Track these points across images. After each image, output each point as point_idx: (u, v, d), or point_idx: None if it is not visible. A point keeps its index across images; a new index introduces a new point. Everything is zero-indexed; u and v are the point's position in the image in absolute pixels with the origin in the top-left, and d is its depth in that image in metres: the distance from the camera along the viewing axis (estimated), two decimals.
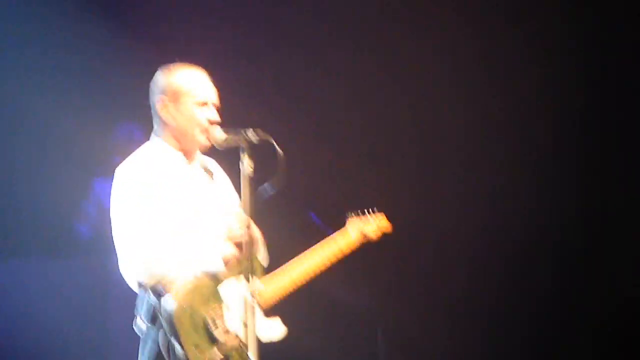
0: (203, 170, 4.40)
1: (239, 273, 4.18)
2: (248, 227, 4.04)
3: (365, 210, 4.95)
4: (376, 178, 7.07)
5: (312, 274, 4.57)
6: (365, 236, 4.90)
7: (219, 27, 6.93)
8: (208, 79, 4.34)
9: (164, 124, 4.30)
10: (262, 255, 4.41)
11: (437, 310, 7.11)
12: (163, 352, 4.06)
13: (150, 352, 4.13)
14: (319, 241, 4.71)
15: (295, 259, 4.61)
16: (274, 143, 4.01)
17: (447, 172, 7.20)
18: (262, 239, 4.41)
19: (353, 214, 4.92)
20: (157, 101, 4.30)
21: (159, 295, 4.11)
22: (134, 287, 4.17)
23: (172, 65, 4.34)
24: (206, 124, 4.25)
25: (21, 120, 6.64)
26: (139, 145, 4.39)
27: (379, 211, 4.99)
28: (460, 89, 7.07)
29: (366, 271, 6.94)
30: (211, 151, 4.39)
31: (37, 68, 6.56)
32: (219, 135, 4.18)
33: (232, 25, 7.00)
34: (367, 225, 4.94)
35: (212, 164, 4.49)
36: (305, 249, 4.65)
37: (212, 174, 4.42)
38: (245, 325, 3.98)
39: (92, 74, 6.70)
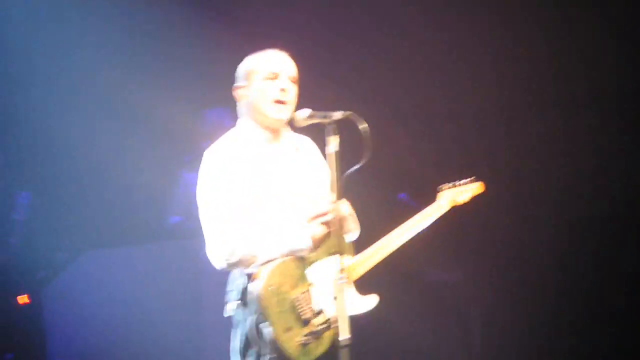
0: (293, 148, 4.38)
1: (328, 253, 4.17)
2: (335, 204, 4.00)
3: (461, 181, 4.76)
4: (468, 157, 6.93)
5: (398, 241, 4.43)
6: (454, 202, 4.70)
7: (309, 11, 6.91)
8: (280, 55, 4.31)
9: (244, 107, 4.33)
10: (353, 228, 4.39)
11: (530, 291, 6.96)
12: (250, 337, 4.06)
13: (242, 336, 4.13)
14: None
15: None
16: (357, 118, 3.96)
17: (543, 149, 7.02)
18: (353, 214, 4.38)
19: (446, 186, 4.73)
20: (233, 89, 4.34)
21: (247, 278, 4.12)
22: (222, 270, 4.17)
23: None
24: (277, 95, 4.23)
25: (110, 111, 6.75)
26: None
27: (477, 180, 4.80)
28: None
29: (461, 251, 6.84)
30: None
31: (126, 59, 6.67)
32: (301, 113, 4.14)
33: (322, 10, 6.97)
34: (461, 195, 4.73)
35: (305, 141, 4.46)
36: None
37: (304, 153, 4.39)
38: (335, 303, 3.95)
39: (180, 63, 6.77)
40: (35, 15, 6.54)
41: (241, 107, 4.34)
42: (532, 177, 7.01)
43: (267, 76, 4.24)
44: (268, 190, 4.20)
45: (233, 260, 4.09)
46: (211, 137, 4.42)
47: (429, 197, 4.67)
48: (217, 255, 4.13)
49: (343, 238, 4.20)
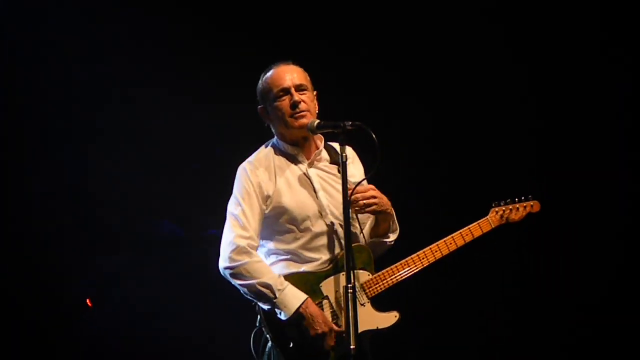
0: (326, 164, 4.37)
1: (344, 267, 4.11)
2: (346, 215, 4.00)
3: (517, 199, 4.58)
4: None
5: (433, 257, 4.35)
6: (506, 220, 4.53)
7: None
8: (285, 68, 4.33)
9: (272, 126, 4.38)
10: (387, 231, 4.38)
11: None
12: (252, 348, 4.19)
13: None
14: None
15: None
16: (367, 128, 3.97)
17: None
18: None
19: (501, 203, 4.55)
20: (258, 112, 4.40)
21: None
22: (223, 274, 4.20)
23: None
24: (291, 110, 4.25)
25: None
26: None
27: (534, 199, 4.61)
28: None
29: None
30: None
31: None
32: (311, 121, 4.20)
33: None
34: (514, 212, 4.56)
35: (348, 154, 4.26)
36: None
37: (339, 167, 4.25)
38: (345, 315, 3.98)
39: None
40: None
41: (271, 126, 4.39)
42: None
43: (278, 95, 4.28)
44: (295, 212, 4.23)
45: (231, 266, 4.12)
46: None
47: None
48: (221, 258, 4.18)
49: (363, 250, 4.24)
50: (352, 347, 3.84)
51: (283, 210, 4.20)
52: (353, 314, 3.87)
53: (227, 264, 4.12)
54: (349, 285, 3.90)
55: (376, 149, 3.94)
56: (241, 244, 4.12)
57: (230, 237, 4.15)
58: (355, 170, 4.40)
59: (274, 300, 4.05)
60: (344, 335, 4.02)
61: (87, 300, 6.70)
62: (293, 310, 4.04)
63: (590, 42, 6.50)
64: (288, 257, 4.22)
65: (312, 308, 4.07)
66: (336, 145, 4.31)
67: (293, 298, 4.06)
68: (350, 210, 4.06)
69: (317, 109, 4.33)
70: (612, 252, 6.50)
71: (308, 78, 4.35)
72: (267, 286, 4.06)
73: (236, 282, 4.12)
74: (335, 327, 4.09)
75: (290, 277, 4.13)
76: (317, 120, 4.18)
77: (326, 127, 4.14)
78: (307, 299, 4.07)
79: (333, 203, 4.28)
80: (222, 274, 4.17)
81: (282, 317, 4.06)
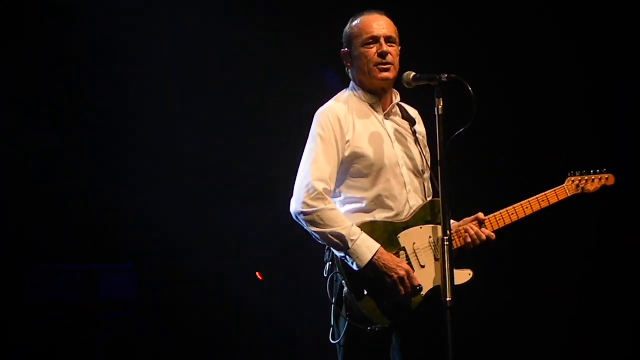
0: (399, 118, 4.35)
1: (424, 220, 4.15)
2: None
3: (592, 170, 4.55)
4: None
5: (507, 220, 4.31)
6: (582, 190, 4.51)
7: None
8: (378, 17, 4.30)
9: (351, 71, 4.36)
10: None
11: None
12: (331, 295, 4.11)
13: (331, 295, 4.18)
14: None
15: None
16: (464, 81, 3.94)
17: None
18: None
19: (576, 173, 4.53)
20: (341, 54, 4.37)
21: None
22: (294, 217, 4.14)
23: None
24: (377, 59, 4.22)
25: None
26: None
27: (609, 172, 4.55)
28: None
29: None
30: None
31: None
32: (407, 73, 4.15)
33: None
34: (588, 183, 4.53)
35: (416, 114, 4.42)
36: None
37: (410, 123, 4.35)
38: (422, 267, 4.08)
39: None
40: None
41: (350, 71, 4.37)
42: None
43: (366, 41, 4.26)
44: (372, 157, 4.20)
45: (305, 212, 4.07)
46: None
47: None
48: (294, 200, 4.13)
49: (444, 209, 4.11)
50: (447, 299, 3.86)
51: (361, 155, 4.17)
52: (449, 265, 3.88)
53: (301, 209, 4.07)
54: (445, 238, 3.91)
55: (472, 102, 3.89)
56: (318, 187, 4.06)
57: (306, 180, 4.09)
58: (422, 129, 4.41)
59: (347, 251, 4.01)
60: (418, 287, 4.02)
61: (257, 273, 6.78)
62: (365, 262, 4.00)
63: None
64: (364, 205, 4.17)
65: (385, 256, 4.02)
66: (406, 106, 4.38)
67: (366, 249, 4.01)
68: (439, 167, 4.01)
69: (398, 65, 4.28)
70: None
71: (397, 33, 4.30)
72: (339, 236, 4.01)
73: (309, 228, 4.07)
74: (411, 271, 4.04)
75: (369, 224, 4.09)
76: (413, 73, 4.12)
77: (422, 79, 4.08)
78: (379, 248, 4.02)
79: (409, 155, 4.27)
80: (294, 217, 4.12)
81: (355, 267, 4.01)
